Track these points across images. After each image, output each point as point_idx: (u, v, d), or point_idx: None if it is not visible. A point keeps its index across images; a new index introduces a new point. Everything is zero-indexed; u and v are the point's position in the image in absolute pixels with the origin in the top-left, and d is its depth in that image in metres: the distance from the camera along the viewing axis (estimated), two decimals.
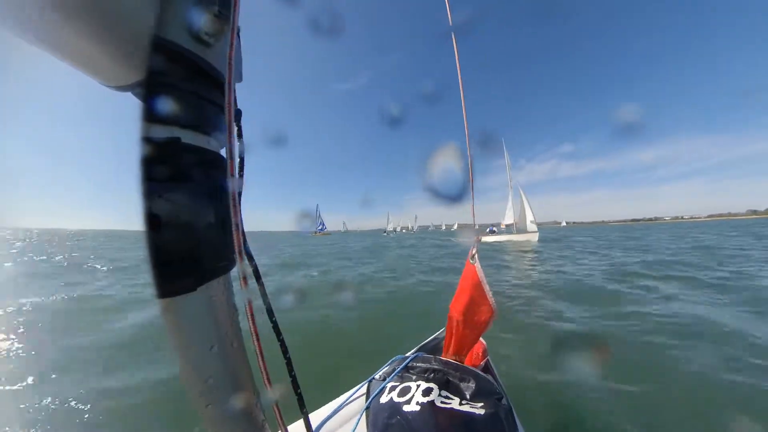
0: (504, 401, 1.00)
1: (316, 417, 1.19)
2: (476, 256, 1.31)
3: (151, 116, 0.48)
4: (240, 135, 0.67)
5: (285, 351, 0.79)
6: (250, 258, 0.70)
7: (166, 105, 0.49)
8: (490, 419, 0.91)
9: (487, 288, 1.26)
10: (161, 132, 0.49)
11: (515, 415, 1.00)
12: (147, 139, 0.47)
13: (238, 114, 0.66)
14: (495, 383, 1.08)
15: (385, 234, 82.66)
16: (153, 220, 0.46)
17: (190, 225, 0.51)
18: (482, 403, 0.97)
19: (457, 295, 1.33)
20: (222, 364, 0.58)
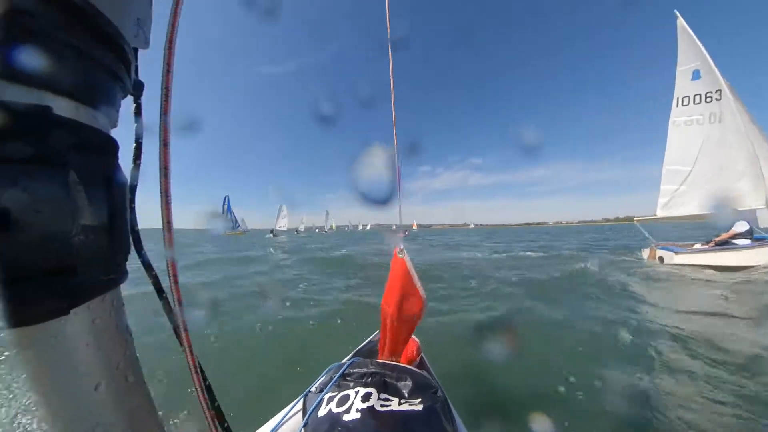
0: (439, 393, 1.05)
1: None
2: (404, 250, 1.34)
3: (8, 71, 0.34)
4: (139, 113, 0.54)
5: (204, 378, 0.65)
6: (149, 268, 0.57)
7: (33, 58, 0.35)
8: (427, 413, 0.95)
9: (416, 278, 1.30)
10: (23, 95, 0.35)
11: (450, 405, 1.06)
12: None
13: (139, 86, 0.53)
14: (430, 378, 1.12)
15: (271, 236, 48.55)
16: (1, 216, 0.33)
17: (56, 225, 0.38)
18: (420, 399, 1.00)
19: (388, 289, 1.34)
20: (114, 406, 0.45)
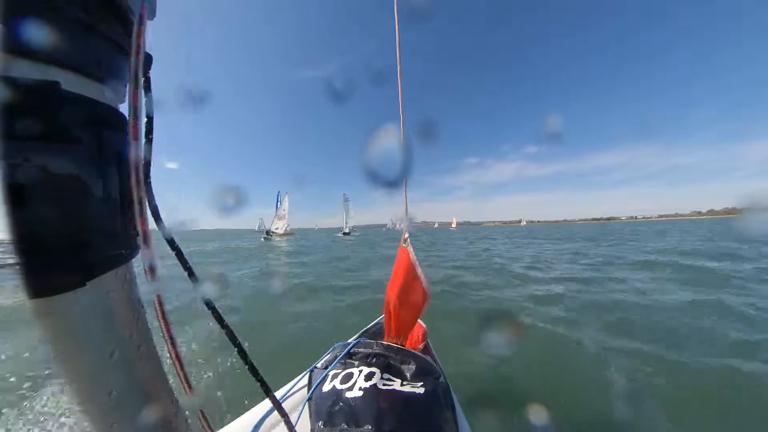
0: (442, 380, 1.07)
1: (256, 413, 1.14)
2: (408, 240, 1.37)
3: (15, 46, 0.36)
4: (148, 88, 0.54)
5: (234, 339, 0.67)
6: (172, 244, 0.58)
7: (39, 32, 0.36)
8: (429, 397, 0.97)
9: (419, 270, 1.31)
10: (30, 71, 0.37)
11: (453, 392, 1.08)
12: (8, 80, 0.35)
13: (148, 60, 0.53)
14: (434, 363, 1.14)
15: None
16: (16, 193, 0.35)
17: (71, 201, 0.40)
18: (422, 383, 1.02)
19: (393, 278, 1.35)
20: (127, 373, 0.49)
